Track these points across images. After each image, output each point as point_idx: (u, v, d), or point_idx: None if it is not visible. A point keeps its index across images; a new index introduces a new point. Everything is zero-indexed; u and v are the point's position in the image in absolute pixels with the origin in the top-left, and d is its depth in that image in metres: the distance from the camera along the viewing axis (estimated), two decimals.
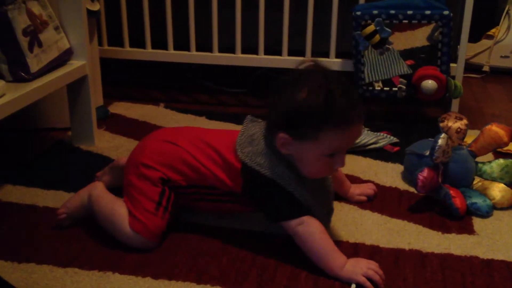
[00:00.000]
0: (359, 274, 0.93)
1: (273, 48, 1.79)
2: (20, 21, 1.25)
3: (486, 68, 2.30)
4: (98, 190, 1.09)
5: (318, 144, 0.94)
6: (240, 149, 1.01)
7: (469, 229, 1.12)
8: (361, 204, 1.21)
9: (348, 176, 1.32)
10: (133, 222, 1.02)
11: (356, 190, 1.23)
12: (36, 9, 1.32)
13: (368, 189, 1.24)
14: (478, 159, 1.27)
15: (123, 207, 1.05)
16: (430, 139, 1.24)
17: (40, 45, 1.31)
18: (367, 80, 1.65)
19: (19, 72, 1.26)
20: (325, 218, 1.03)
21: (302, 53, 1.77)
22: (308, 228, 0.96)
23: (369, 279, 0.93)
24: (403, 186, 1.31)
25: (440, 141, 1.16)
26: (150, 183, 1.04)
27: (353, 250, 1.04)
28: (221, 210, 1.10)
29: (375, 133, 1.54)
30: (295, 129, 0.94)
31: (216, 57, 1.82)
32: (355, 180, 1.32)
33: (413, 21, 1.60)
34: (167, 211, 1.04)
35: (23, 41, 1.26)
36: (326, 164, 0.98)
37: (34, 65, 1.28)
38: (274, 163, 0.99)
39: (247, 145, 1.01)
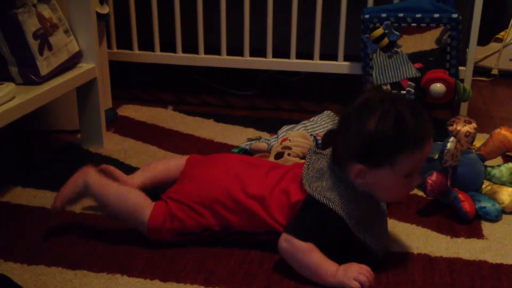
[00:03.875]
0: (350, 278, 0.92)
1: (281, 51, 1.79)
2: (31, 24, 1.26)
3: (495, 71, 2.29)
4: (95, 177, 1.09)
5: (395, 169, 0.94)
6: (308, 184, 0.99)
7: (478, 233, 1.12)
8: None
9: None
10: (155, 215, 1.03)
11: None
12: (46, 12, 1.33)
13: None
14: (487, 163, 1.27)
15: (141, 194, 1.07)
16: (439, 142, 1.23)
17: (50, 48, 1.31)
18: (375, 83, 1.65)
19: (29, 75, 1.27)
20: (378, 255, 1.00)
21: (310, 56, 1.77)
22: (291, 247, 0.95)
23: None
24: None
25: (449, 145, 1.15)
26: (197, 221, 1.03)
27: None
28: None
29: None
30: (370, 159, 0.94)
31: (224, 60, 1.82)
32: None
33: (422, 24, 1.60)
34: (182, 240, 1.05)
35: (33, 44, 1.27)
36: (404, 186, 0.98)
37: (44, 68, 1.29)
38: (345, 199, 0.96)
39: (315, 180, 0.99)
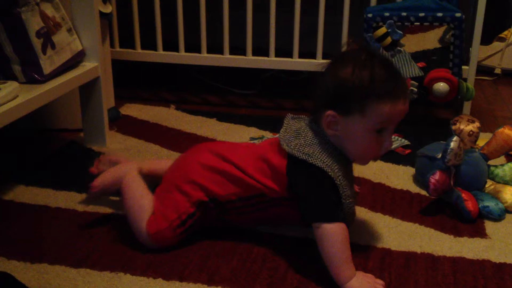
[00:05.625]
0: None
1: (283, 50, 1.79)
2: (34, 23, 1.26)
3: (498, 71, 2.29)
4: (133, 174, 1.11)
5: (365, 117, 0.94)
6: (286, 144, 0.99)
7: (481, 233, 1.12)
8: (372, 207, 1.21)
9: (358, 178, 1.32)
10: (151, 222, 1.03)
11: None
12: (49, 11, 1.33)
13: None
14: (491, 162, 1.27)
15: (151, 203, 1.06)
16: (442, 141, 1.23)
17: (53, 47, 1.32)
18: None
19: (32, 74, 1.27)
20: (352, 216, 1.04)
21: (313, 55, 1.77)
22: (330, 231, 0.94)
23: None
24: (414, 189, 1.30)
25: (452, 144, 1.15)
26: (186, 200, 1.04)
27: (364, 253, 1.04)
28: (271, 216, 1.08)
29: None
30: (341, 105, 0.95)
31: (227, 59, 1.82)
32: (365, 182, 1.31)
33: (425, 23, 1.60)
34: (184, 233, 1.04)
35: (37, 43, 1.27)
36: (374, 142, 0.97)
37: (47, 67, 1.29)
38: (324, 153, 0.98)
39: (293, 139, 1.00)
